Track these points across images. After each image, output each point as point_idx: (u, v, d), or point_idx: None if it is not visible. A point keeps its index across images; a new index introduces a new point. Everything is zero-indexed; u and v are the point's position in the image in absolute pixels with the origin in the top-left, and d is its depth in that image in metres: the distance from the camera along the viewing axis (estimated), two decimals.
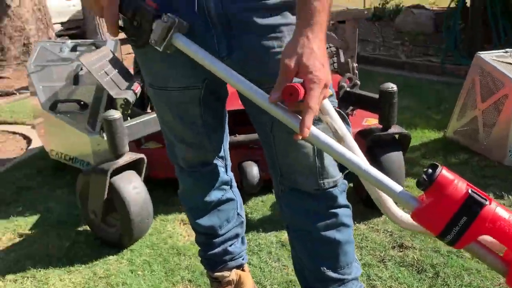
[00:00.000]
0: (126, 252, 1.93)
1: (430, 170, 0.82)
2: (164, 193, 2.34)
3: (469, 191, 0.79)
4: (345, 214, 1.16)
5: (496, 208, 0.79)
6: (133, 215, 1.83)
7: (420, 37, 6.14)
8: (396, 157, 1.97)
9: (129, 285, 1.71)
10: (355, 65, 2.34)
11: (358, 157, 0.88)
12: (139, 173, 1.95)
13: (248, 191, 2.15)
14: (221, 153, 1.34)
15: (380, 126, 2.01)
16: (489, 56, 2.61)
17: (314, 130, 0.87)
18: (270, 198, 2.26)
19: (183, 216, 2.15)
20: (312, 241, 1.16)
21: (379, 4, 8.02)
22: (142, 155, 1.93)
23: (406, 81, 4.52)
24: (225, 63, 0.98)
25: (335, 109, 1.09)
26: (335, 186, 1.12)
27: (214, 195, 1.35)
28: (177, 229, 2.08)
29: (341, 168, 1.14)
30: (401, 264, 1.73)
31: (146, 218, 1.91)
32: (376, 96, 2.00)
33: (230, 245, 1.42)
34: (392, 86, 1.92)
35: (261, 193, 2.27)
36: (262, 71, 1.01)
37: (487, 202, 0.79)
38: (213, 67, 0.94)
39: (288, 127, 0.93)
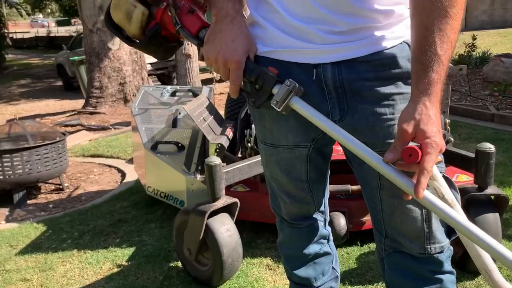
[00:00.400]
0: None
1: None
2: (248, 236, 2.43)
3: None
4: (449, 280, 1.15)
5: None
6: (224, 256, 1.93)
7: (510, 87, 5.87)
8: (492, 219, 1.90)
9: None
10: (448, 121, 2.32)
11: (471, 223, 0.90)
12: (232, 216, 2.05)
13: (334, 242, 2.17)
14: (322, 208, 1.39)
15: (475, 186, 1.96)
16: None
17: (428, 193, 0.90)
18: (355, 251, 2.25)
19: (269, 261, 2.21)
20: None
21: (464, 52, 7.79)
22: (236, 199, 2.04)
23: (496, 135, 4.33)
24: (339, 125, 1.07)
25: (442, 175, 1.12)
26: (441, 252, 1.13)
27: (313, 248, 1.40)
28: (262, 274, 2.14)
29: (448, 234, 1.15)
30: None
31: (236, 260, 1.99)
32: (472, 155, 1.96)
33: None
34: (490, 147, 1.89)
35: (346, 245, 2.28)
36: (373, 135, 1.07)
37: None
38: (326, 127, 1.01)
39: (396, 191, 0.97)
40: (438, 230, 1.11)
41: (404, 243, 1.14)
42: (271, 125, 1.20)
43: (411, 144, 0.92)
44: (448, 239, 1.14)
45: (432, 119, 0.91)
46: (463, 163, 2.06)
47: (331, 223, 2.14)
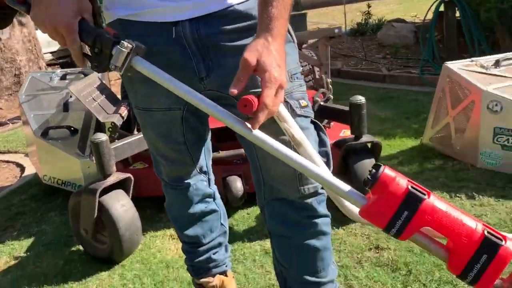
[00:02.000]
0: (118, 267, 2.02)
1: (374, 170, 0.91)
2: (153, 211, 2.45)
3: (409, 187, 0.87)
4: (324, 222, 1.24)
5: (435, 201, 0.88)
6: (122, 231, 1.94)
7: (402, 50, 6.34)
8: (368, 165, 2.09)
9: None
10: (329, 80, 2.48)
11: (306, 160, 0.97)
12: (127, 192, 2.05)
13: (233, 204, 2.26)
14: (204, 168, 1.44)
15: (353, 136, 2.13)
16: (456, 65, 2.76)
17: (260, 133, 0.95)
18: (255, 211, 2.36)
19: (172, 231, 2.25)
20: (292, 248, 1.25)
21: (361, 20, 8.26)
22: (128, 175, 2.04)
23: (387, 93, 4.68)
24: (205, 83, 1.11)
25: (311, 120, 1.20)
26: (315, 192, 1.20)
27: (198, 207, 1.46)
28: (165, 244, 2.18)
29: None
30: (377, 264, 1.84)
31: (135, 234, 2.01)
32: (347, 108, 2.13)
33: (214, 253, 1.52)
34: (360, 99, 2.06)
35: (246, 206, 2.38)
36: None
37: (426, 197, 0.88)
38: (171, 87, 0.99)
39: None
40: None
41: (280, 188, 1.21)
42: (141, 89, 1.20)
43: (251, 96, 0.94)
44: None
45: (273, 54, 0.92)
46: (341, 116, 2.23)
47: (228, 187, 2.23)
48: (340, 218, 2.17)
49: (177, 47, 1.10)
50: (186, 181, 1.41)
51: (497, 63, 2.76)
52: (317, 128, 1.20)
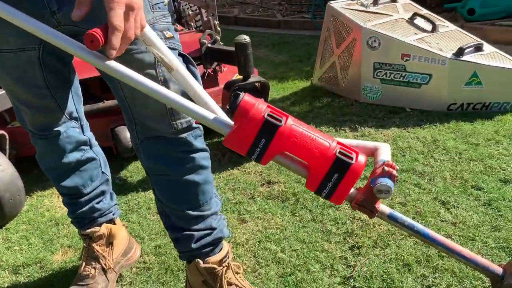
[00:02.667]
0: (1, 231, 1.89)
1: (233, 98, 0.91)
2: (40, 171, 2.28)
3: (266, 116, 0.88)
4: (202, 157, 1.24)
5: (292, 126, 0.91)
6: (0, 193, 1.79)
7: None
8: None
9: (6, 262, 1.69)
10: (216, 22, 2.44)
11: (171, 92, 0.94)
12: (2, 151, 1.89)
13: (124, 155, 2.19)
14: (74, 114, 1.35)
15: (241, 78, 2.14)
16: (338, 4, 2.86)
17: (121, 66, 0.91)
18: None
19: None
20: (172, 184, 1.24)
21: None
22: (2, 132, 1.87)
23: (282, 39, 4.76)
24: (57, 17, 1.02)
25: (179, 52, 1.15)
26: (189, 127, 1.19)
27: (73, 156, 1.37)
28: (54, 203, 2.07)
29: None
30: (268, 197, 1.92)
31: (17, 194, 1.87)
32: (233, 48, 2.12)
33: (97, 202, 1.47)
34: (245, 38, 2.05)
35: None
36: (92, 20, 1.04)
37: (282, 123, 0.90)
38: (19, 22, 0.92)
39: None
40: None
41: (152, 126, 1.18)
42: None
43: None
44: None
45: None
46: (228, 57, 2.22)
47: (117, 138, 2.15)
48: (235, 159, 2.23)
49: None
50: (55, 129, 1.31)
51: (375, 1, 2.90)
52: (186, 61, 1.17)
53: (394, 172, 0.91)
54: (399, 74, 2.58)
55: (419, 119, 2.46)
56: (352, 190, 0.94)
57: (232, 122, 0.93)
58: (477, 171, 1.93)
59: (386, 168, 0.91)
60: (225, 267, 1.28)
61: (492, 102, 2.46)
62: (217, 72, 2.56)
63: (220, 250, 1.31)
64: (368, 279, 1.41)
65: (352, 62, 2.76)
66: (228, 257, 1.31)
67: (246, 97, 0.91)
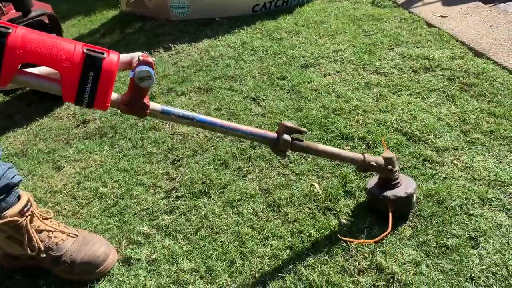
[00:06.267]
0: None
1: None
2: None
3: None
4: None
5: (24, 33, 0.82)
6: None
7: None
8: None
9: None
10: None
11: None
12: None
13: None
14: None
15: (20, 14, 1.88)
16: None
17: None
18: None
19: None
20: None
21: None
22: None
23: None
24: None
25: None
26: None
27: None
28: None
29: None
30: (85, 137, 1.80)
31: None
32: None
33: None
34: None
35: None
36: None
37: (10, 30, 0.80)
38: None
39: None
40: None
41: None
42: None
43: None
44: None
45: None
46: None
47: None
48: (42, 108, 2.03)
49: None
50: None
51: None
52: None
53: (150, 59, 0.89)
54: None
55: (228, 26, 2.48)
56: (116, 94, 0.90)
57: None
58: (281, 63, 2.04)
59: (141, 58, 0.88)
60: (29, 216, 1.18)
61: None
62: (0, 16, 2.23)
63: (19, 200, 1.20)
64: (189, 186, 1.44)
65: None
66: (31, 206, 1.20)
67: None
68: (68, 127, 1.89)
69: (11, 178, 1.20)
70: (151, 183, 1.49)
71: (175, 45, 2.39)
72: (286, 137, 1.03)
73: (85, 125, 1.89)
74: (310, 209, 1.26)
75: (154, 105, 0.94)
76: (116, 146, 1.72)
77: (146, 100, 0.92)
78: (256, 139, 1.04)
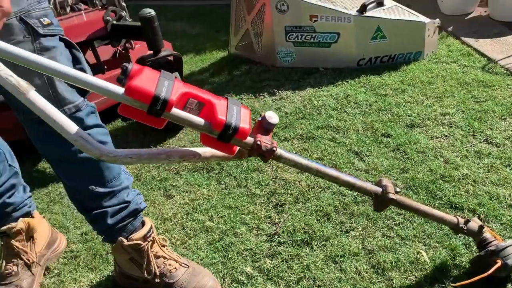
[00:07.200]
0: None
1: (125, 67, 0.91)
2: None
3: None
4: (98, 133, 1.23)
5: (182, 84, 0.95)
6: None
7: None
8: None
9: None
10: (124, 4, 2.35)
11: (56, 63, 0.89)
12: None
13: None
14: None
15: (152, 53, 2.10)
16: None
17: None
18: None
19: None
20: (74, 166, 1.22)
21: None
22: None
23: (198, 10, 4.68)
24: None
25: (60, 37, 1.12)
26: (78, 110, 1.18)
27: None
28: None
29: (82, 92, 1.20)
30: (193, 170, 1.93)
31: None
32: (138, 24, 2.06)
33: (9, 197, 1.40)
34: (149, 11, 2.00)
35: None
36: None
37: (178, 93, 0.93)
38: None
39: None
40: (67, 91, 1.15)
41: None
42: None
43: None
44: (82, 97, 1.20)
45: None
46: (135, 33, 2.16)
47: None
48: (156, 138, 2.21)
49: None
50: None
51: None
52: (69, 46, 1.16)
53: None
54: (309, 35, 2.65)
55: (332, 77, 2.56)
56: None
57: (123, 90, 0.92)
58: (386, 120, 2.06)
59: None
60: (150, 242, 1.30)
61: (397, 54, 2.61)
62: (128, 50, 2.49)
63: (143, 226, 1.32)
64: (292, 233, 1.49)
65: (265, 28, 2.79)
66: (152, 232, 1.32)
67: (135, 66, 0.92)
68: None
69: (139, 204, 1.33)
70: (254, 224, 1.56)
71: (279, 91, 2.50)
72: (391, 195, 1.09)
73: None
74: (416, 277, 1.24)
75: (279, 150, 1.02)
76: (222, 182, 1.82)
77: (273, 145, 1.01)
78: (359, 191, 1.09)
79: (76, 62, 1.17)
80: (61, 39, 1.14)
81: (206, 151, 1.01)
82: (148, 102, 0.90)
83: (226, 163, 1.93)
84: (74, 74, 0.91)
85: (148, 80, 0.91)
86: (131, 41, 2.47)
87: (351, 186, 1.12)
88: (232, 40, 3.12)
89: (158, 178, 1.91)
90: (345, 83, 2.47)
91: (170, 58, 2.16)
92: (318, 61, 2.70)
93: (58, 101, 1.14)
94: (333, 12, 2.54)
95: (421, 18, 2.59)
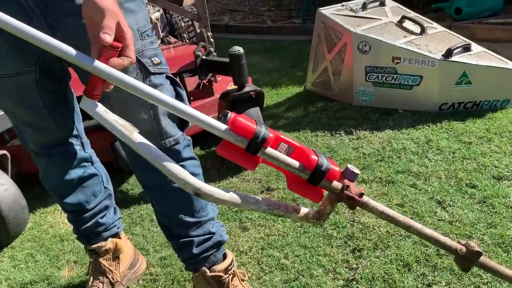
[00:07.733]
0: (7, 250, 1.91)
1: (222, 117, 0.96)
2: (42, 188, 2.31)
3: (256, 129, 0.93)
4: (192, 165, 1.29)
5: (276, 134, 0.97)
6: (5, 212, 1.82)
7: (285, 1, 6.48)
8: (254, 112, 2.17)
9: (13, 280, 1.72)
10: (209, 34, 2.48)
11: (161, 93, 0.93)
12: (5, 170, 1.92)
13: (124, 169, 2.22)
14: (74, 132, 1.39)
15: (236, 88, 2.19)
16: (328, 11, 2.91)
17: (125, 75, 0.92)
18: None
19: None
20: (167, 194, 1.29)
21: None
22: (4, 151, 1.90)
23: (273, 45, 4.81)
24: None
25: (166, 75, 1.21)
26: (176, 143, 1.25)
27: (75, 173, 1.41)
28: (58, 219, 2.09)
29: (181, 126, 1.28)
30: None
31: (21, 213, 1.90)
32: (227, 60, 2.16)
33: (101, 217, 1.50)
34: (238, 49, 2.10)
35: None
36: (86, 47, 1.09)
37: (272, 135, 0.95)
38: (22, 33, 0.89)
39: (121, 94, 1.00)
40: (169, 126, 1.23)
41: None
42: None
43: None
44: (181, 131, 1.27)
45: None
46: (222, 68, 2.26)
47: (117, 152, 2.18)
48: (233, 168, 2.27)
49: (16, 6, 1.04)
50: (56, 147, 1.35)
51: (364, 6, 2.96)
52: (173, 83, 1.24)
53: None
54: (390, 76, 2.63)
55: (412, 120, 2.51)
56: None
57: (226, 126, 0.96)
58: (471, 169, 1.98)
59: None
60: (231, 275, 1.32)
61: (483, 101, 2.52)
62: (212, 82, 2.61)
63: (225, 258, 1.35)
64: (370, 281, 1.45)
65: (344, 67, 2.81)
66: (233, 265, 1.34)
67: (233, 115, 0.95)
68: (254, 191, 2.07)
69: (222, 236, 1.37)
70: (331, 267, 1.54)
71: (357, 131, 2.49)
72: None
73: (269, 192, 2.05)
74: None
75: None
76: (298, 220, 1.82)
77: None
78: (443, 248, 1.04)
79: (179, 99, 1.25)
80: (167, 77, 1.23)
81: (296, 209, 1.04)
82: (250, 137, 0.94)
83: (301, 200, 1.93)
84: (182, 107, 0.96)
85: (248, 121, 0.95)
86: (216, 75, 2.58)
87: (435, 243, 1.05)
88: (309, 76, 3.17)
89: (234, 209, 1.95)
90: (426, 127, 2.41)
91: (253, 93, 2.23)
92: (397, 103, 2.67)
93: (161, 134, 1.22)
94: (417, 55, 2.51)
95: (510, 64, 2.50)
